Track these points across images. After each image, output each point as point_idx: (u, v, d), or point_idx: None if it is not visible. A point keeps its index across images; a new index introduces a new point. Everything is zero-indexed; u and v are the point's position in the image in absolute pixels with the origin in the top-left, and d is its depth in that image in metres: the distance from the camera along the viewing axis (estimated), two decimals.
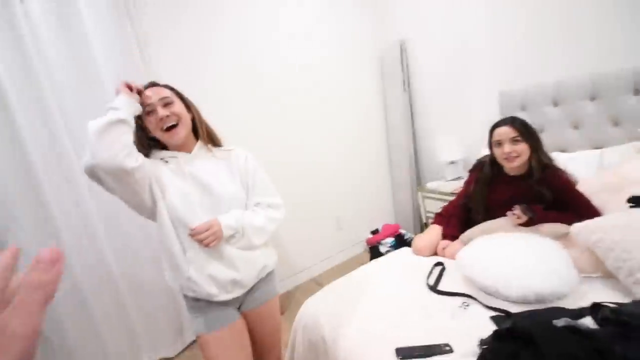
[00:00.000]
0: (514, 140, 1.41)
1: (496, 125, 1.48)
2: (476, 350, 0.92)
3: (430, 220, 2.60)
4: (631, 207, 1.14)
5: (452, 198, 2.08)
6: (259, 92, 2.33)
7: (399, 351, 0.95)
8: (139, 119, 1.03)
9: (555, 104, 1.98)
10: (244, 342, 1.13)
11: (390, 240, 2.71)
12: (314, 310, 1.29)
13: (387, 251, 2.62)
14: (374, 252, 2.63)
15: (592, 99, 1.82)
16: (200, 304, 1.07)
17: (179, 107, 1.06)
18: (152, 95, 1.03)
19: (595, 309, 0.95)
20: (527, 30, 2.07)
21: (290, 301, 2.36)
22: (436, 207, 2.50)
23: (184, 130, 1.07)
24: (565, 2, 1.88)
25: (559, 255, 1.14)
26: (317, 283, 2.53)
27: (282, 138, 2.48)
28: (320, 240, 2.72)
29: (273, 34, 2.38)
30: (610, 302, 0.97)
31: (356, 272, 1.55)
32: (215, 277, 1.03)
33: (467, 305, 1.14)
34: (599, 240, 1.07)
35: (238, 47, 2.21)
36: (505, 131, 1.42)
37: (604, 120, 1.79)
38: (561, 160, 1.57)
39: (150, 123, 1.04)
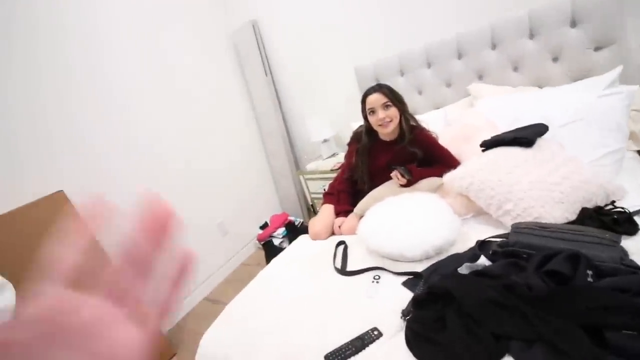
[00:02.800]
0: (385, 106, 1.44)
1: (367, 94, 1.49)
2: (402, 324, 0.87)
3: (317, 201, 2.62)
4: (483, 150, 1.30)
5: (333, 175, 2.09)
6: (105, 96, 1.86)
7: (329, 358, 0.82)
8: None
9: (402, 74, 2.17)
10: None
11: (281, 230, 2.58)
12: (216, 346, 1.03)
13: (282, 242, 2.50)
14: (269, 248, 2.46)
15: (429, 66, 2.06)
16: None
17: None
18: None
19: (483, 247, 1.03)
20: (376, 5, 2.17)
21: (182, 337, 1.97)
22: (319, 187, 2.51)
23: None
24: None
25: (442, 206, 1.21)
26: (213, 301, 2.20)
27: (142, 146, 2.03)
28: (206, 252, 2.37)
29: (115, 33, 1.92)
30: (490, 237, 1.06)
31: (255, 281, 1.34)
32: None
33: (379, 278, 1.10)
34: (470, 184, 1.17)
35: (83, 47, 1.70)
36: (377, 98, 1.45)
37: (439, 83, 2.05)
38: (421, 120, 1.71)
39: None
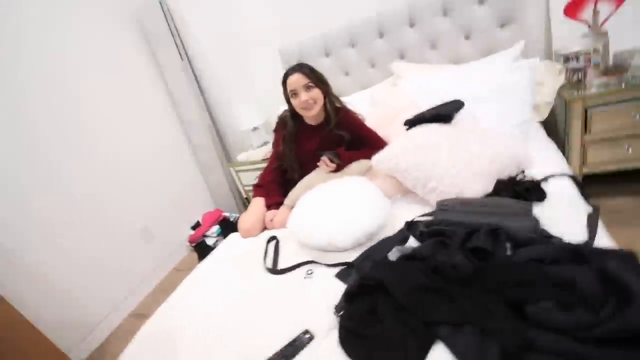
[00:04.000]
0: (307, 87, 1.35)
1: (287, 75, 1.39)
2: (335, 321, 0.81)
3: (251, 194, 2.48)
4: (407, 129, 1.29)
5: (265, 165, 1.98)
6: None
7: None
8: None
9: (327, 54, 2.09)
10: None
11: (215, 229, 2.40)
12: None
13: (216, 242, 2.32)
14: (202, 249, 2.26)
15: (353, 46, 2.01)
16: None
17: None
18: None
19: (411, 227, 1.01)
20: None
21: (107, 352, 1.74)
22: (252, 178, 2.36)
23: None
24: None
25: (371, 189, 1.17)
26: (140, 316, 1.96)
27: (41, 153, 1.72)
28: (129, 262, 2.09)
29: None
30: (419, 217, 1.06)
31: (180, 289, 1.20)
32: None
33: (312, 273, 1.03)
34: (396, 165, 1.15)
35: None
36: (297, 79, 1.35)
37: (364, 64, 2.02)
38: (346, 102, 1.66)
39: None
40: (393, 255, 0.90)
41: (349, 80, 2.10)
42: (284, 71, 2.16)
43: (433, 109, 1.27)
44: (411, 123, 1.26)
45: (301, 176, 1.46)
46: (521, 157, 1.12)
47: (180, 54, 2.43)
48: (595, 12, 1.56)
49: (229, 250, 1.39)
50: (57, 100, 1.85)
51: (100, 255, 1.93)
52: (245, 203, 2.62)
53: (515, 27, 1.66)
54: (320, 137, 1.44)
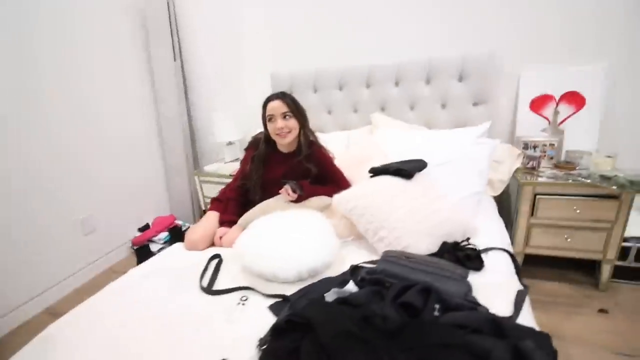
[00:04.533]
0: (285, 115, 1.39)
1: (268, 100, 1.43)
2: (257, 355, 0.77)
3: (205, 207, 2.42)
4: (371, 177, 1.33)
5: (230, 181, 1.96)
6: None
7: None
8: None
9: (315, 90, 2.19)
10: None
11: (163, 235, 2.29)
12: None
13: (161, 249, 2.20)
14: (143, 254, 2.13)
15: (340, 88, 2.12)
16: None
17: None
18: None
19: (355, 272, 1.01)
20: (302, 14, 2.14)
21: (4, 356, 1.53)
22: (215, 192, 2.31)
23: None
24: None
25: (324, 226, 1.18)
26: (55, 315, 1.76)
27: None
28: (60, 253, 1.92)
29: None
30: (364, 263, 1.06)
31: (100, 294, 1.10)
32: None
33: (246, 299, 0.99)
34: (353, 208, 1.18)
35: None
36: (278, 105, 1.39)
37: (348, 107, 2.12)
38: (321, 139, 1.71)
39: None
40: (330, 296, 0.89)
41: (330, 119, 2.18)
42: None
43: (398, 163, 1.33)
44: (375, 172, 1.31)
45: (261, 199, 1.45)
46: (469, 226, 1.18)
47: (174, 53, 2.45)
48: (556, 112, 1.75)
49: (168, 261, 1.31)
50: (27, 72, 1.77)
51: (29, 239, 1.77)
52: (202, 214, 2.53)
53: (486, 108, 1.82)
54: (289, 165, 1.46)
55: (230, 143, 2.44)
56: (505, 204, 1.80)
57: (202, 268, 1.17)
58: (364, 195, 1.18)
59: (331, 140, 1.92)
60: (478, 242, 1.12)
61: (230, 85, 2.51)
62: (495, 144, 1.57)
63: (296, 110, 1.42)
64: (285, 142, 1.42)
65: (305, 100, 2.18)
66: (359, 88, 2.06)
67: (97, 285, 1.10)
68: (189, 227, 2.41)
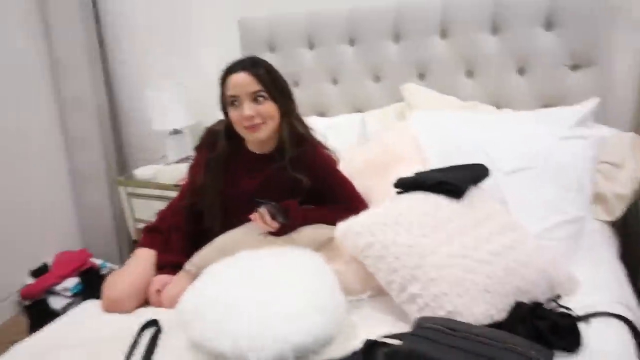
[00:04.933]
0: (256, 97, 1.39)
1: (230, 71, 1.43)
2: None
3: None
4: (398, 192, 1.33)
5: (175, 195, 1.98)
6: None
7: None
8: None
9: (311, 46, 2.21)
10: None
11: (72, 282, 2.35)
12: None
13: (67, 306, 2.27)
14: (38, 315, 2.20)
15: (352, 42, 2.13)
16: None
17: None
18: None
19: (371, 352, 1.02)
20: None
21: None
22: (152, 212, 2.34)
23: None
24: None
25: (322, 275, 1.19)
26: None
27: None
28: None
29: None
30: (386, 337, 1.07)
31: None
32: None
33: None
34: (368, 246, 1.17)
35: None
36: (244, 80, 1.39)
37: (364, 73, 2.13)
38: (320, 128, 1.73)
39: None
40: None
41: (336, 92, 2.21)
42: (241, 55, 2.28)
43: (441, 171, 1.33)
44: (405, 186, 1.31)
45: (223, 229, 1.48)
46: (559, 275, 1.18)
47: None
48: None
49: (78, 328, 1.35)
50: None
51: None
52: (133, 248, 2.58)
53: (593, 75, 1.81)
54: (265, 174, 1.48)
55: (176, 132, 2.48)
56: (629, 236, 1.78)
57: (130, 343, 1.19)
58: (385, 225, 1.18)
59: (337, 127, 1.95)
60: (576, 303, 1.11)
61: (173, 43, 2.56)
62: (610, 136, 1.55)
63: (274, 86, 1.43)
64: (257, 137, 1.43)
65: (297, 59, 2.22)
66: (382, 41, 2.06)
67: None
68: (110, 271, 2.47)
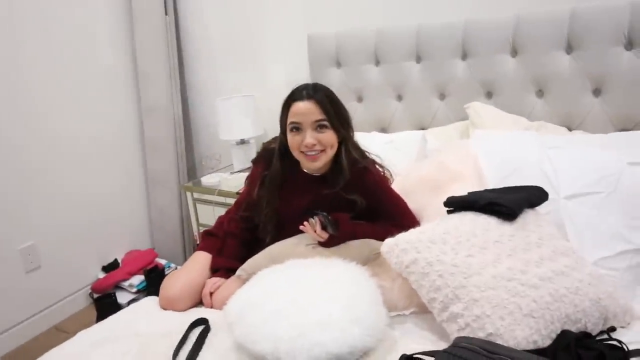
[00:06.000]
0: (319, 126, 1.44)
1: (294, 98, 1.47)
2: None
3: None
4: (448, 212, 1.35)
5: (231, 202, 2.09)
6: None
7: None
8: None
9: (377, 62, 2.27)
10: None
11: (137, 280, 2.52)
12: None
13: (132, 301, 2.44)
14: (105, 307, 2.34)
15: (418, 59, 2.17)
16: None
17: None
18: None
19: None
20: None
21: None
22: (214, 218, 2.46)
23: None
24: None
25: (367, 289, 1.23)
26: None
27: None
28: None
29: None
30: (421, 354, 1.10)
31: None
32: None
33: None
34: (412, 262, 1.20)
35: None
36: (308, 109, 1.42)
37: (430, 90, 2.17)
38: (379, 144, 1.77)
39: None
40: None
41: (399, 108, 2.26)
42: (309, 69, 2.37)
43: (496, 191, 1.33)
44: (455, 204, 1.33)
45: (274, 240, 1.53)
46: (615, 306, 1.14)
47: (165, 5, 2.71)
48: None
49: (135, 323, 1.43)
50: None
51: None
52: (194, 250, 2.71)
53: None
54: (318, 193, 1.52)
55: (242, 142, 2.60)
56: None
57: (179, 339, 1.26)
58: (432, 243, 1.20)
59: (397, 143, 1.98)
60: (629, 337, 1.08)
61: (244, 58, 2.70)
62: None
63: (336, 116, 1.46)
64: (315, 166, 1.49)
65: (364, 76, 2.29)
66: (450, 59, 2.09)
67: (32, 353, 1.27)
68: (168, 273, 2.62)
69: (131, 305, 1.60)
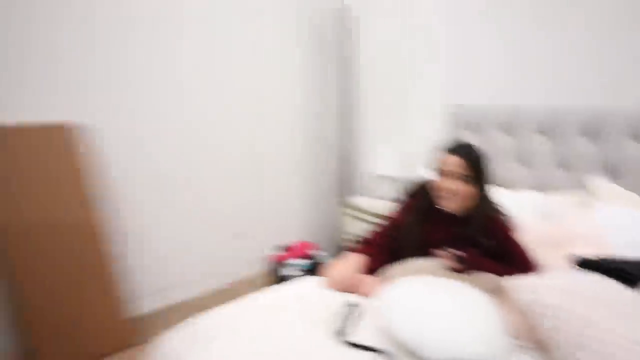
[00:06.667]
0: (462, 178, 1.40)
1: (447, 150, 1.45)
2: None
3: (348, 244, 2.60)
4: (573, 267, 1.22)
5: (377, 221, 2.08)
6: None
7: None
8: None
9: (508, 133, 2.14)
10: None
11: (302, 262, 2.62)
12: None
13: (293, 276, 2.48)
14: (276, 275, 2.54)
15: (545, 134, 2.01)
16: None
17: None
18: None
19: None
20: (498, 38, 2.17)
21: (148, 327, 2.15)
22: (358, 229, 2.51)
23: None
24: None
25: (491, 315, 1.13)
26: (196, 307, 2.29)
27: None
28: (208, 249, 2.55)
29: None
30: None
31: (237, 305, 1.40)
32: None
33: None
34: (533, 302, 1.10)
35: None
36: (455, 163, 1.40)
37: (552, 160, 1.99)
38: (504, 199, 1.67)
39: None
40: None
41: (523, 173, 2.09)
42: (444, 131, 2.28)
43: (620, 261, 1.18)
44: (584, 265, 1.20)
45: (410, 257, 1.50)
46: None
47: (345, 65, 2.84)
48: None
49: (303, 293, 1.52)
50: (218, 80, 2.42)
51: (182, 230, 2.43)
52: (339, 250, 2.80)
53: None
54: (451, 231, 1.46)
55: (390, 177, 2.62)
56: None
57: (339, 313, 1.31)
58: (553, 289, 1.09)
59: (518, 201, 1.84)
60: None
61: (399, 115, 2.71)
62: None
63: (479, 175, 1.41)
64: (445, 206, 1.43)
65: (491, 144, 2.18)
66: (573, 137, 1.91)
67: (235, 290, 1.38)
68: (326, 262, 2.68)
69: (302, 279, 1.66)
